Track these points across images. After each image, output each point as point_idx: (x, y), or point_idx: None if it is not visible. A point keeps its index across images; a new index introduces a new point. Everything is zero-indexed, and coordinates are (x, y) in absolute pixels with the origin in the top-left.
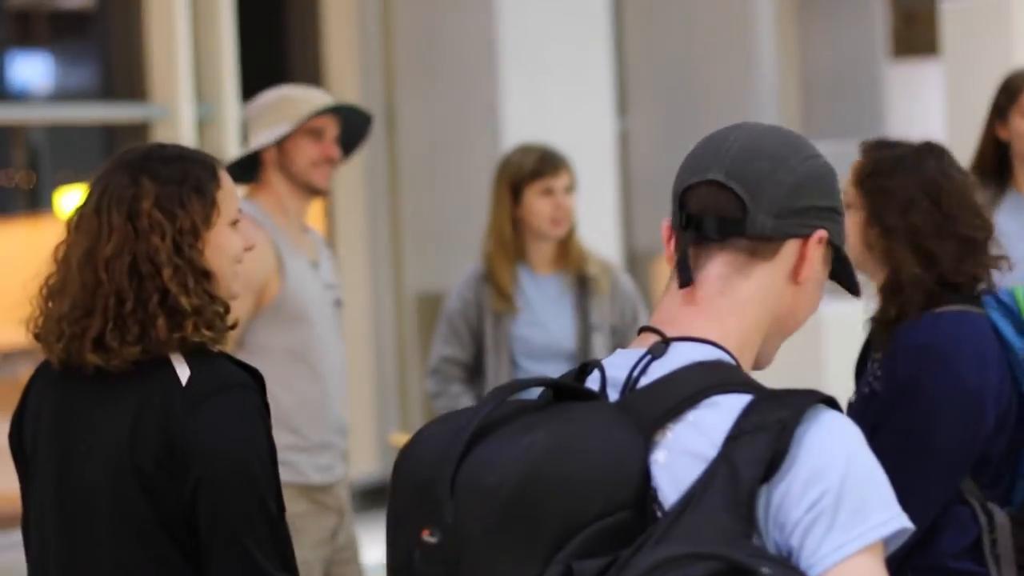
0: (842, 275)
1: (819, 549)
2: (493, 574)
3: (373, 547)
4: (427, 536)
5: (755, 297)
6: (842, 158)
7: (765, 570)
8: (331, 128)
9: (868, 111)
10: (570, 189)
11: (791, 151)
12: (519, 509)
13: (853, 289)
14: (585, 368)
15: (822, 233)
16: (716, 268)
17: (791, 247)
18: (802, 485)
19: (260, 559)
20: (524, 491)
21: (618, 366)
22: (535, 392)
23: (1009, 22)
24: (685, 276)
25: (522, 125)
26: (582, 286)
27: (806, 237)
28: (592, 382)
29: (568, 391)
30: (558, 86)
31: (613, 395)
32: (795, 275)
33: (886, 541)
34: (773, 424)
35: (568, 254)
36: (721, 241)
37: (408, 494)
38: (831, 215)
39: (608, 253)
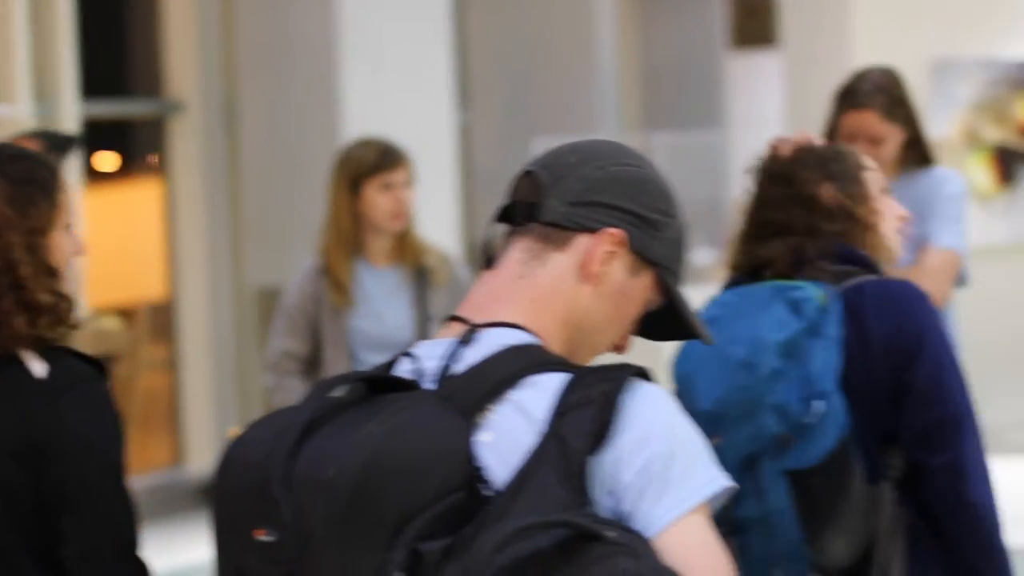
0: (671, 311)
1: (653, 511)
2: (338, 565)
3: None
4: (262, 536)
5: (551, 286)
6: (683, 148)
7: (611, 533)
8: (34, 147)
9: (708, 102)
10: (409, 183)
11: (611, 154)
12: (360, 499)
13: (687, 334)
14: (394, 360)
15: (614, 231)
16: (516, 253)
17: (582, 240)
18: (630, 452)
19: (123, 542)
20: (364, 481)
21: (429, 356)
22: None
23: (847, 12)
24: (487, 261)
25: (363, 119)
26: (420, 278)
27: (595, 231)
28: (404, 373)
29: (386, 383)
30: (399, 80)
31: (428, 385)
32: (583, 270)
33: (711, 500)
34: (597, 397)
35: (406, 247)
36: (524, 227)
37: (236, 497)
38: (637, 221)
39: (449, 246)
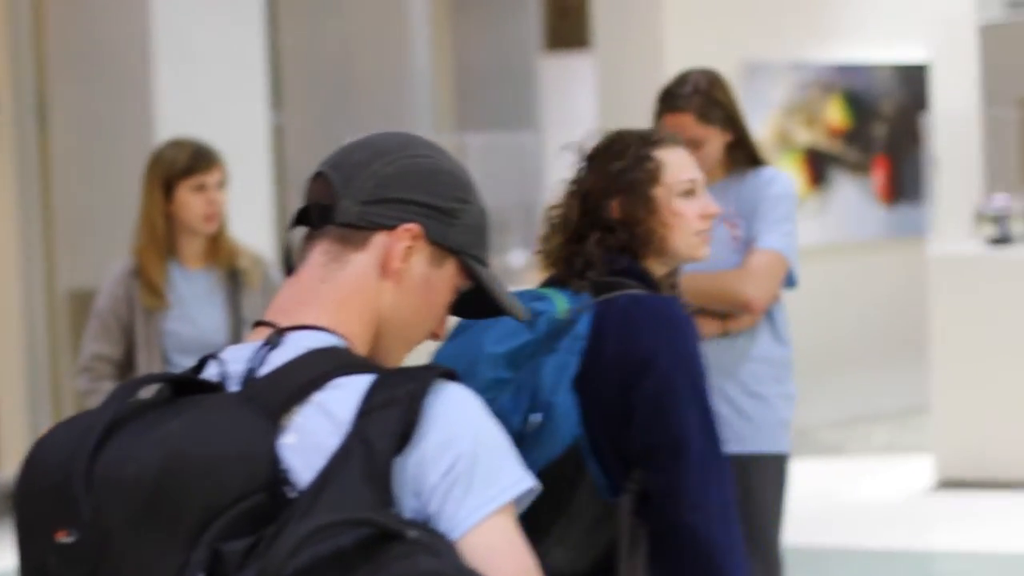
0: (480, 293)
1: (458, 512)
2: (138, 565)
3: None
4: (63, 537)
5: (353, 287)
6: (497, 150)
7: (412, 533)
8: None
9: (522, 103)
10: (222, 185)
11: (400, 147)
12: (160, 498)
13: (502, 311)
14: (204, 363)
15: (410, 227)
16: (316, 256)
17: (380, 238)
18: (435, 453)
19: None
20: (164, 480)
21: (236, 360)
22: None
23: (659, 15)
24: (287, 266)
25: (176, 120)
26: (233, 280)
27: (392, 228)
28: (211, 377)
29: (192, 386)
30: (212, 81)
31: (233, 388)
32: (384, 268)
33: (517, 501)
34: (402, 398)
35: (219, 249)
36: (321, 229)
37: (37, 499)
38: (433, 212)
39: (263, 248)
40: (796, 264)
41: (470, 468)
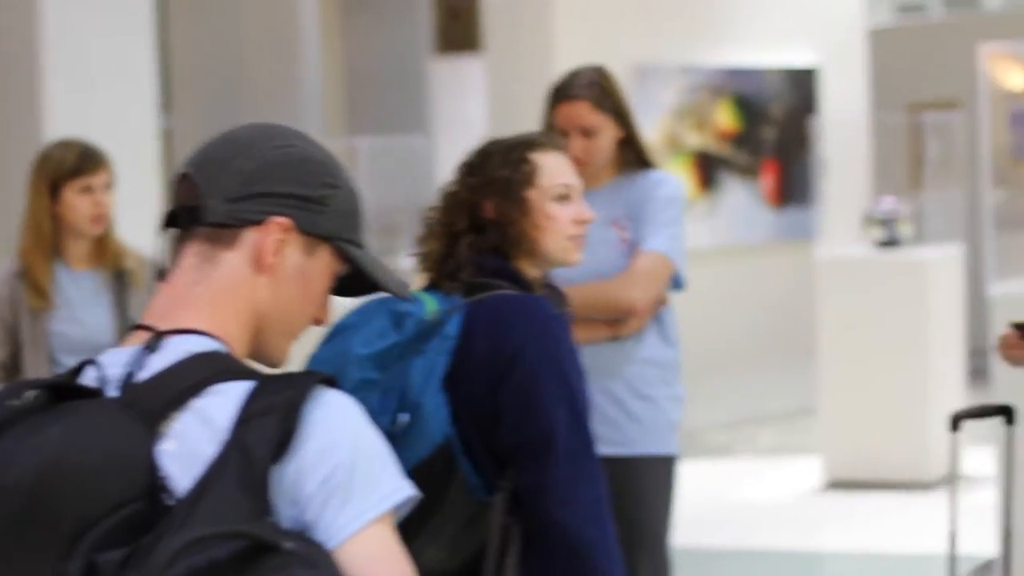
0: (358, 276)
1: (335, 521)
2: (15, 572)
3: None
4: None
5: (228, 286)
6: (387, 153)
7: (289, 544)
8: None
9: (413, 107)
10: (109, 186)
11: (262, 139)
12: (38, 505)
13: (383, 288)
14: (81, 367)
15: (279, 220)
16: (188, 259)
17: (250, 235)
18: (314, 461)
19: None
20: (41, 487)
21: (114, 364)
22: None
23: (549, 18)
24: (161, 270)
25: (64, 121)
26: (119, 281)
27: (261, 223)
28: (89, 381)
29: (70, 391)
30: (100, 82)
31: (111, 392)
32: (257, 264)
33: (394, 511)
34: (281, 405)
35: (105, 250)
36: (190, 231)
37: None
38: (301, 203)
39: (150, 250)
40: (683, 266)
41: (348, 477)
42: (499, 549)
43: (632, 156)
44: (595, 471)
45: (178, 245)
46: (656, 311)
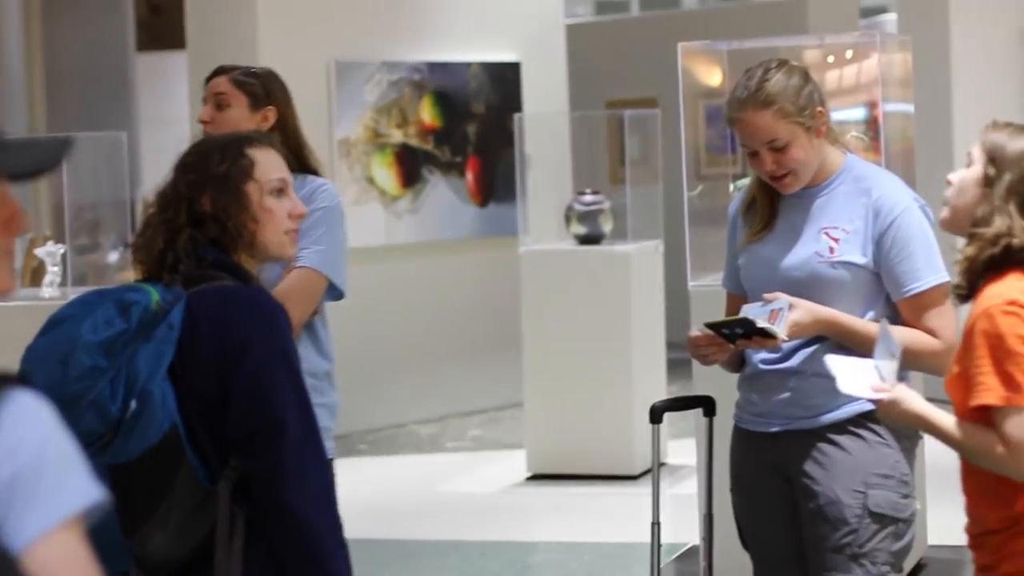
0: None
1: (20, 524)
2: None
3: None
4: None
5: None
6: (91, 147)
7: None
8: None
9: (117, 102)
10: None
11: None
12: None
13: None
14: None
15: None
16: None
17: None
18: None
19: None
20: None
21: None
22: None
23: (250, 15)
24: None
25: None
26: None
27: None
28: None
29: None
30: None
31: None
32: None
33: (82, 514)
34: None
35: None
36: None
37: None
38: None
39: None
40: (340, 275)
41: (34, 480)
42: (227, 536)
43: (295, 161)
44: (323, 457)
45: None
46: (311, 324)
